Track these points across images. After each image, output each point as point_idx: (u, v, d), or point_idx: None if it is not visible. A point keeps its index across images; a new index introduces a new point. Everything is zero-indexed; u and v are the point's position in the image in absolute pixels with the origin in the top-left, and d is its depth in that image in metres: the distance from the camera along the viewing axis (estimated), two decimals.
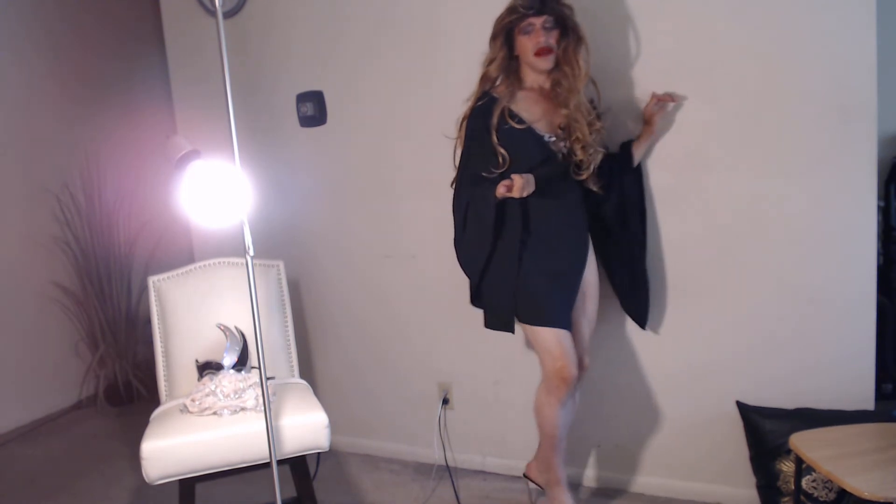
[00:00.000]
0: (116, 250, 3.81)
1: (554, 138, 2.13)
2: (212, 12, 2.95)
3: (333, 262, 2.95)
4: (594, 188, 2.19)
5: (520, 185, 2.00)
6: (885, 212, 2.78)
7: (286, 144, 2.94)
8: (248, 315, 1.81)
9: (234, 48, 2.82)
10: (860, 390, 2.16)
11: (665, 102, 2.20)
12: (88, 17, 3.97)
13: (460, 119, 2.22)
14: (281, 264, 2.56)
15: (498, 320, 2.20)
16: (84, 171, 3.77)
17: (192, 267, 2.47)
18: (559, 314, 2.14)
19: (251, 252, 1.75)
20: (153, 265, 3.67)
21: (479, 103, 2.16)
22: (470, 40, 2.41)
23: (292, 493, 2.15)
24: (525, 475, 2.45)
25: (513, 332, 2.20)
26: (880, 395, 2.42)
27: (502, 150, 2.10)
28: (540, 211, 2.15)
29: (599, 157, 2.16)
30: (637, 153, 2.27)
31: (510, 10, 2.08)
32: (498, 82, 2.17)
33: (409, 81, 2.67)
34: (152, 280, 2.45)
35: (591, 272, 2.23)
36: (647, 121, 2.24)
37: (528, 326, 2.18)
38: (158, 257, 3.83)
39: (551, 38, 2.06)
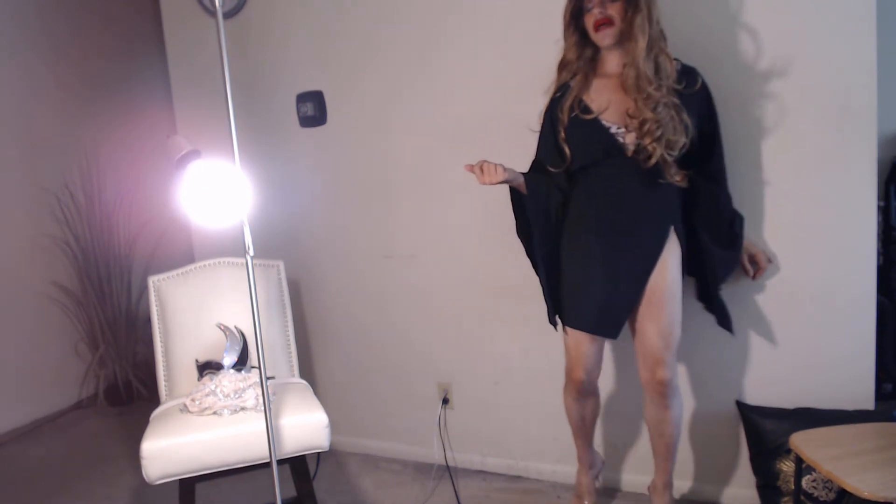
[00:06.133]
0: (116, 250, 3.81)
1: (623, 129, 1.94)
2: (212, 12, 2.95)
3: (333, 261, 2.95)
4: (675, 179, 1.95)
5: (479, 171, 1.95)
6: (885, 212, 2.77)
7: (286, 144, 2.94)
8: (248, 315, 1.81)
9: (233, 48, 2.82)
10: (860, 390, 2.16)
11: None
12: (88, 16, 3.97)
13: (542, 112, 2.15)
14: (281, 264, 2.56)
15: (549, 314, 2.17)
16: (84, 171, 3.77)
17: (192, 267, 2.47)
18: (588, 317, 2.04)
19: (251, 252, 1.75)
20: (153, 265, 3.67)
21: (556, 95, 2.07)
22: (470, 40, 2.41)
23: (292, 493, 2.16)
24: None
25: (555, 327, 2.16)
26: (880, 395, 2.42)
27: (565, 147, 2.02)
28: (591, 206, 2.04)
29: (680, 143, 1.90)
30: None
31: None
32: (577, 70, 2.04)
33: (409, 81, 2.67)
34: (152, 280, 2.45)
35: (660, 276, 2.00)
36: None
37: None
38: (158, 257, 3.83)
39: (612, 10, 1.90)
